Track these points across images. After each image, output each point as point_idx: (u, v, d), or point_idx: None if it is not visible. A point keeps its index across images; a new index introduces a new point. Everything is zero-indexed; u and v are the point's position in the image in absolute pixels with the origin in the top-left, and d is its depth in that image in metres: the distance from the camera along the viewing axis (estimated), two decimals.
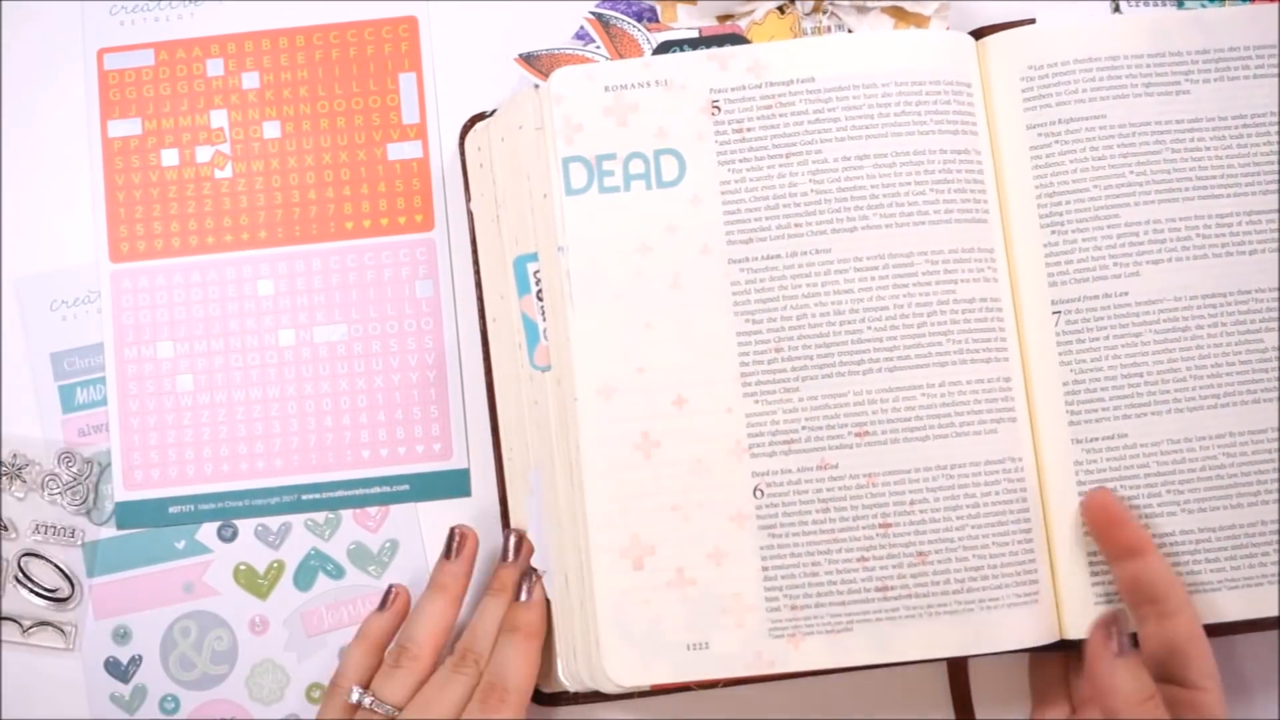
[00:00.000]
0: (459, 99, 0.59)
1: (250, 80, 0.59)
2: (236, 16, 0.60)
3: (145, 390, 0.58)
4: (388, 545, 0.58)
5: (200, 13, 0.59)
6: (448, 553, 0.55)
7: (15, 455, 0.57)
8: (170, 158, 0.59)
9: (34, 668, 0.57)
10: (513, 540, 0.55)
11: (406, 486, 0.58)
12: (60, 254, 0.59)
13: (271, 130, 0.59)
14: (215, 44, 0.59)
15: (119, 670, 0.57)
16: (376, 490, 0.57)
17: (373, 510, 0.58)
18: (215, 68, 0.59)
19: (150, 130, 0.59)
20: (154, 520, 0.57)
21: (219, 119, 0.59)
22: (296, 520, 0.58)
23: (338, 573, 0.58)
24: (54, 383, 0.58)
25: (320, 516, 0.58)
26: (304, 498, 0.57)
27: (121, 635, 0.57)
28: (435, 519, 0.58)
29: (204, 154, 0.59)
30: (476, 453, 0.58)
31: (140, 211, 0.59)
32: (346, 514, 0.58)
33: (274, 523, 0.58)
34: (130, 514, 0.57)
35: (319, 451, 0.57)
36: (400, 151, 0.59)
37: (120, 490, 0.57)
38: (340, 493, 0.57)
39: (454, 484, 0.58)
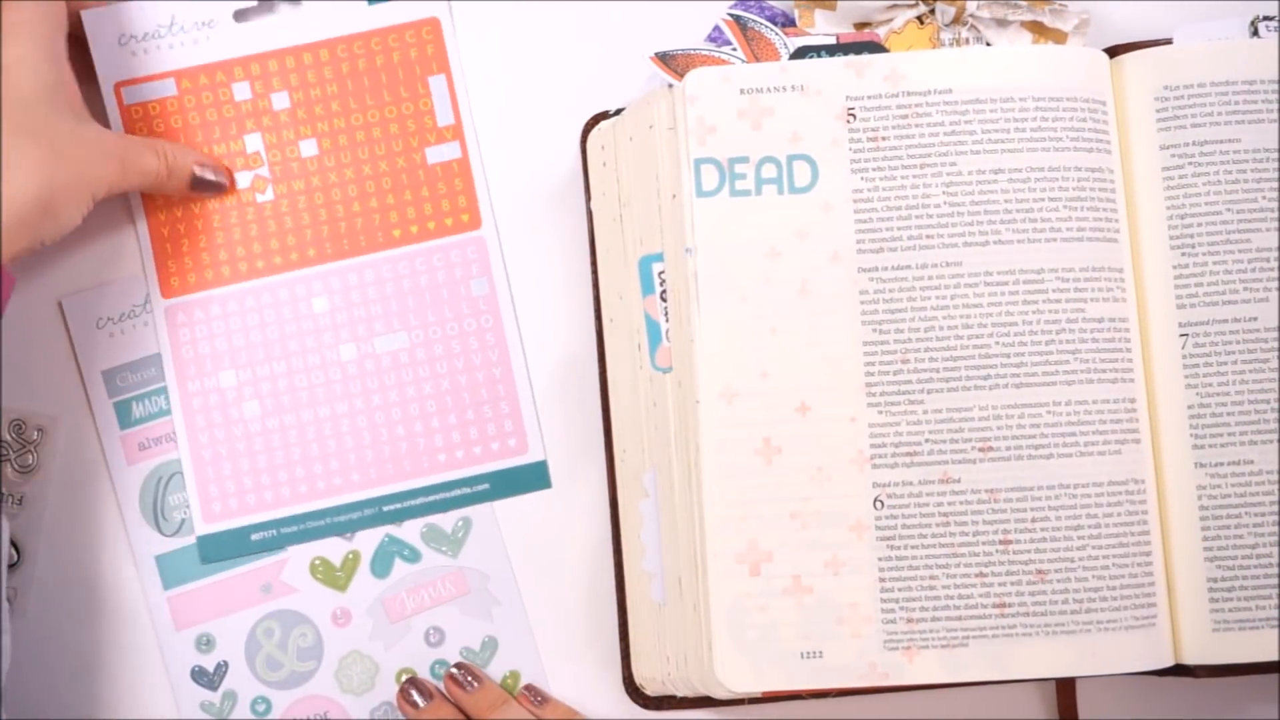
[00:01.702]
0: (491, 96, 0.59)
1: (280, 100, 0.58)
2: (252, 37, 0.58)
3: (213, 421, 0.57)
4: (461, 524, 0.58)
5: (216, 36, 0.58)
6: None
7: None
8: None
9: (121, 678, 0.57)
10: (459, 673, 0.56)
11: (486, 485, 0.57)
12: (102, 270, 0.58)
13: (308, 148, 0.58)
14: (238, 66, 0.58)
15: (206, 678, 0.57)
16: (457, 493, 0.57)
17: None
18: (242, 91, 0.58)
19: None
20: (237, 550, 0.57)
21: (254, 143, 0.58)
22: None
23: (414, 557, 0.58)
24: (109, 400, 0.58)
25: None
26: (385, 509, 0.57)
27: (205, 643, 0.57)
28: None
29: (244, 179, 0.58)
30: (553, 444, 0.58)
31: (186, 245, 0.58)
32: None
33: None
34: (213, 547, 0.57)
35: (394, 461, 0.57)
36: (439, 154, 0.58)
37: (200, 524, 0.57)
38: (420, 499, 0.57)
39: (534, 477, 0.58)
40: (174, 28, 0.58)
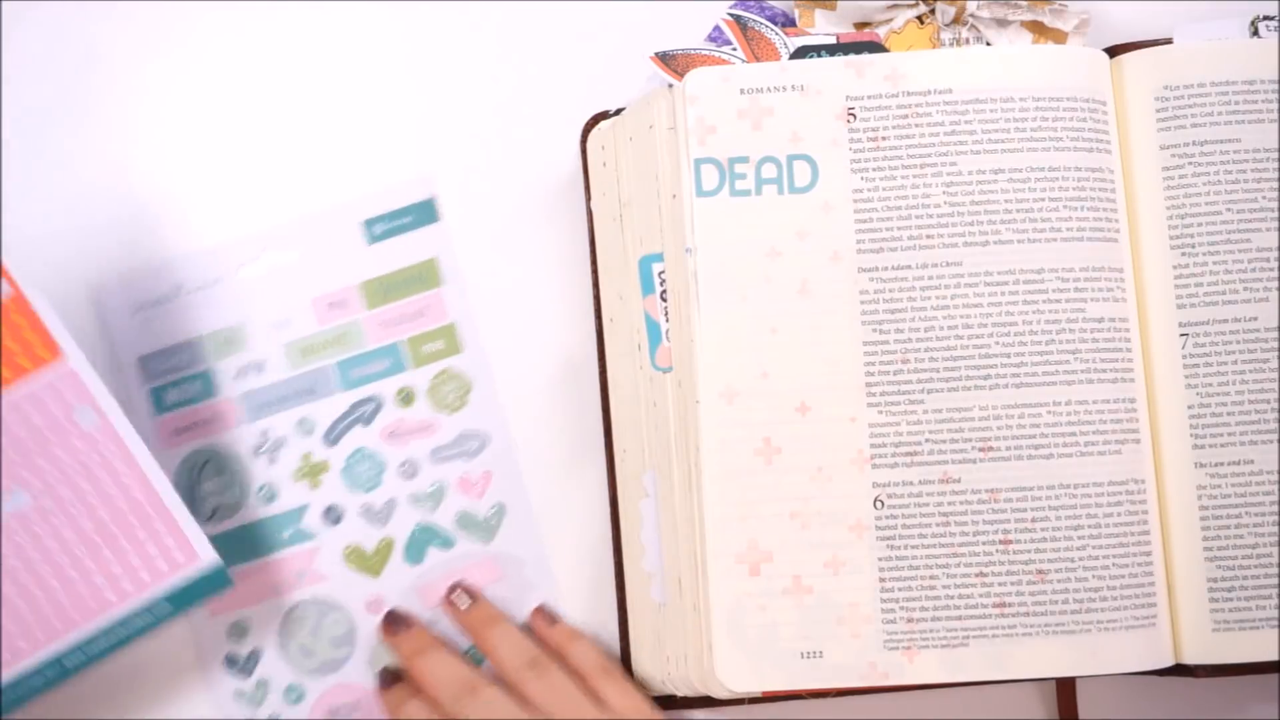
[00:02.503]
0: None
1: None
2: None
3: None
4: (494, 510, 0.58)
5: None
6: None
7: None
8: None
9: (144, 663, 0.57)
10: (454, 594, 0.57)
11: (168, 605, 0.53)
12: (134, 254, 0.59)
13: None
14: None
15: (238, 666, 0.57)
16: (140, 622, 0.52)
17: (474, 477, 0.58)
18: None
19: None
20: None
21: None
22: (401, 495, 0.58)
23: (447, 543, 0.57)
24: (143, 386, 0.58)
25: (426, 488, 0.58)
26: (66, 664, 0.52)
27: (238, 631, 0.57)
28: (540, 481, 0.58)
29: None
30: (553, 444, 0.58)
31: None
32: (450, 484, 0.58)
33: (378, 500, 0.58)
34: None
35: (60, 615, 0.52)
36: None
37: None
38: (103, 642, 0.52)
39: (214, 582, 0.53)
40: None
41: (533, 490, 0.58)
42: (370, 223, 0.59)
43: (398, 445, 0.58)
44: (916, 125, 0.52)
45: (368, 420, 0.58)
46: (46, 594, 0.52)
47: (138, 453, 0.52)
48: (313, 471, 0.58)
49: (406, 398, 0.58)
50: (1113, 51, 0.55)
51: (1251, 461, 0.52)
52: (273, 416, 0.58)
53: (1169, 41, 0.55)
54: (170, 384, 0.58)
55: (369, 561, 0.58)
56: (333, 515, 0.58)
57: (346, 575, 0.57)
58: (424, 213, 0.59)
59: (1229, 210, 0.53)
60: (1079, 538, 0.51)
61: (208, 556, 0.53)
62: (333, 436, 0.58)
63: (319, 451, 0.58)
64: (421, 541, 0.58)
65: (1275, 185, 0.53)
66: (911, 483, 0.52)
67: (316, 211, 0.59)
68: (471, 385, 0.58)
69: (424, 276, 0.59)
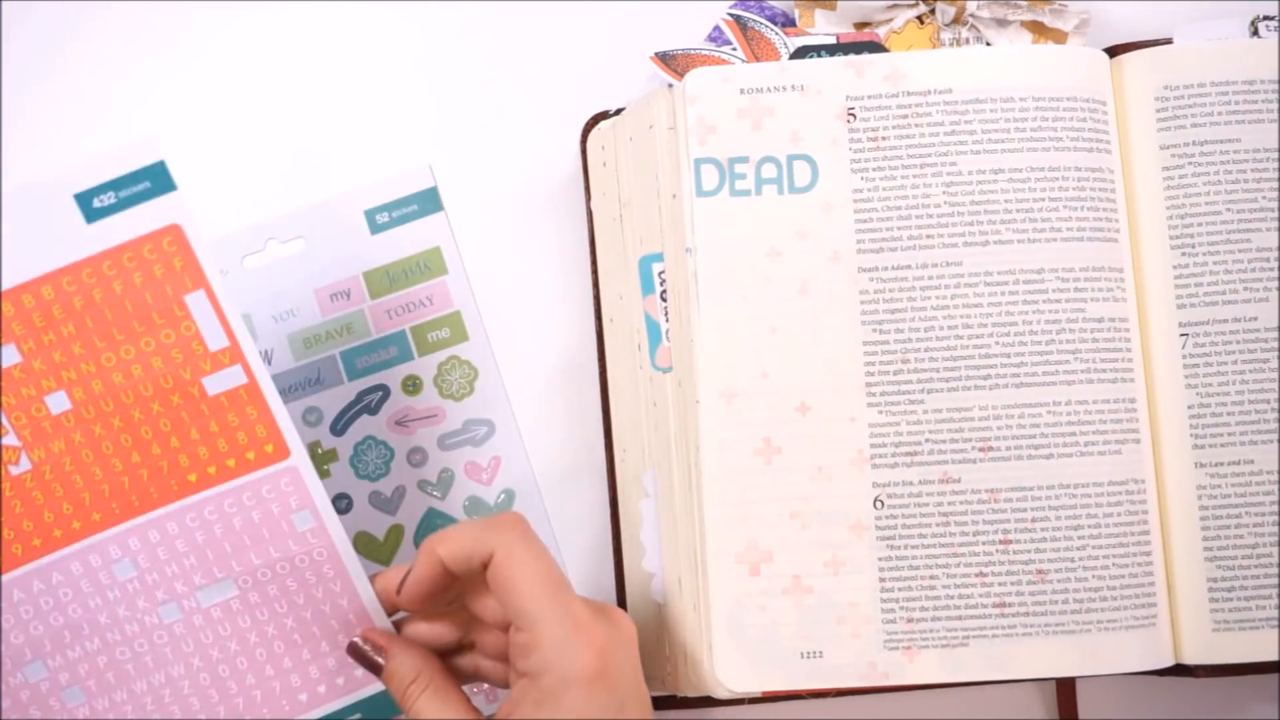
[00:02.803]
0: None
1: (8, 355, 0.48)
2: None
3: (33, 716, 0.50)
4: (503, 496, 0.58)
5: None
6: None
7: None
8: None
9: None
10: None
11: (357, 715, 0.52)
12: None
13: (58, 403, 0.49)
14: None
15: None
16: None
17: (484, 462, 0.58)
18: None
19: None
20: None
21: None
22: (410, 483, 0.58)
23: None
24: None
25: (435, 475, 0.58)
26: None
27: None
28: (550, 463, 0.58)
29: None
30: (553, 444, 0.58)
31: None
32: (458, 471, 0.58)
33: (387, 487, 0.58)
34: None
35: (252, 710, 0.51)
36: (219, 383, 0.49)
37: None
38: None
39: None
40: None
41: (542, 475, 0.58)
42: (373, 212, 0.59)
43: (405, 433, 0.58)
44: (916, 125, 0.52)
45: (374, 409, 0.58)
46: (242, 690, 0.51)
47: (349, 562, 0.50)
48: (321, 461, 0.58)
49: (414, 385, 0.58)
50: (1113, 51, 0.55)
51: (1251, 461, 0.52)
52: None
53: (1169, 41, 0.55)
54: None
55: (379, 548, 0.58)
56: (343, 503, 0.58)
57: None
58: (428, 201, 0.59)
59: (1229, 210, 0.53)
60: (1079, 538, 0.51)
61: None
62: (340, 426, 0.58)
63: (327, 440, 0.58)
64: (431, 528, 0.58)
65: (1275, 185, 0.53)
66: (911, 483, 0.52)
67: (320, 202, 0.59)
68: (478, 372, 0.58)
69: (429, 265, 0.59)
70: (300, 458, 0.50)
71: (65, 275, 0.48)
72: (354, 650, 0.50)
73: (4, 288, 0.48)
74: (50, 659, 0.50)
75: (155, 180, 0.48)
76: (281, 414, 0.49)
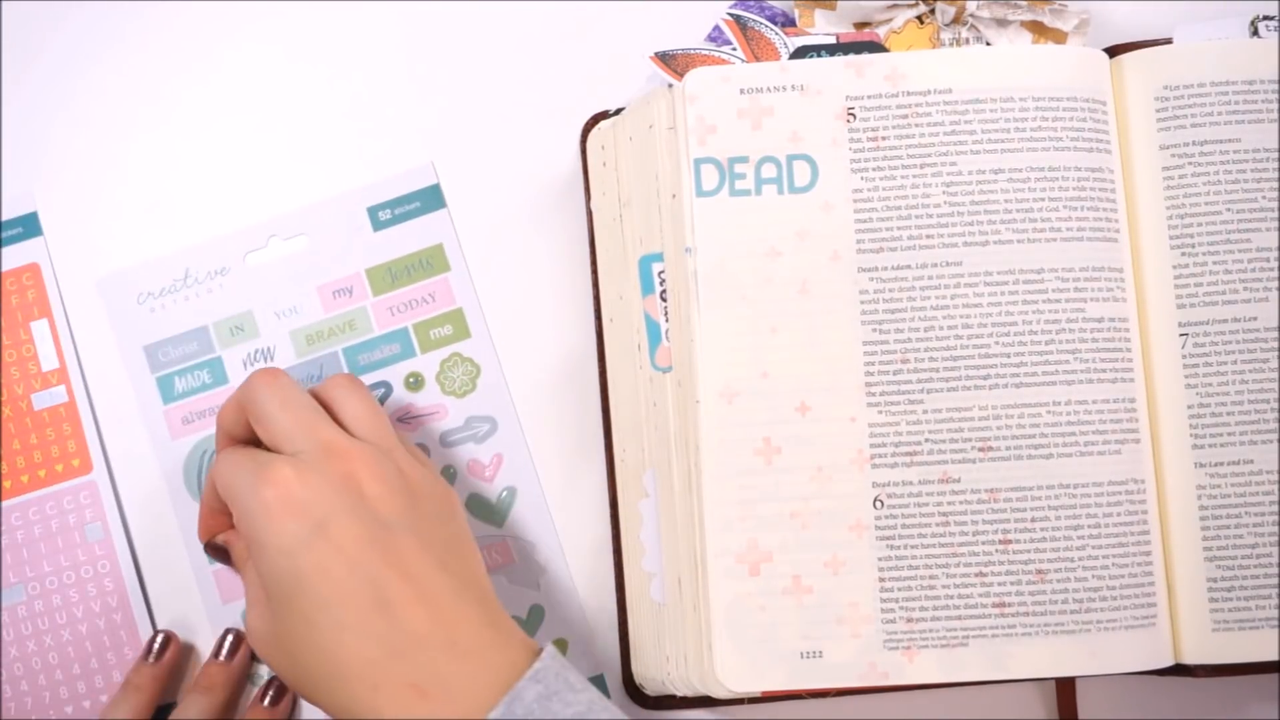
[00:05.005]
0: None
1: None
2: None
3: None
4: (505, 494, 0.58)
5: None
6: (147, 655, 0.55)
7: None
8: None
9: None
10: (229, 640, 0.55)
11: None
12: (141, 248, 0.59)
13: None
14: None
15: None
16: None
17: (486, 459, 0.58)
18: None
19: None
20: None
21: None
22: None
23: None
24: (150, 375, 0.58)
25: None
26: None
27: None
28: (550, 462, 0.58)
29: None
30: (553, 444, 0.58)
31: None
32: (460, 468, 0.58)
33: None
34: None
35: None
36: (45, 400, 0.58)
37: None
38: None
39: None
40: None
41: (543, 469, 0.58)
42: (376, 209, 0.59)
43: (407, 430, 0.58)
44: (916, 125, 0.52)
45: None
46: (15, 695, 0.56)
47: (128, 578, 0.56)
48: None
49: (416, 382, 0.58)
50: (1113, 51, 0.55)
51: (1251, 461, 0.52)
52: None
53: (1169, 41, 0.55)
54: (178, 372, 0.58)
55: None
56: None
57: None
58: (430, 198, 0.59)
59: (1229, 210, 0.53)
60: (1079, 538, 0.51)
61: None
62: None
63: None
64: None
65: (1275, 185, 0.53)
66: (911, 483, 0.52)
67: (322, 199, 0.59)
68: (480, 369, 0.58)
69: (431, 262, 0.59)
70: (101, 474, 0.57)
71: None
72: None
73: None
74: None
75: (26, 227, 0.59)
76: (91, 432, 0.57)
